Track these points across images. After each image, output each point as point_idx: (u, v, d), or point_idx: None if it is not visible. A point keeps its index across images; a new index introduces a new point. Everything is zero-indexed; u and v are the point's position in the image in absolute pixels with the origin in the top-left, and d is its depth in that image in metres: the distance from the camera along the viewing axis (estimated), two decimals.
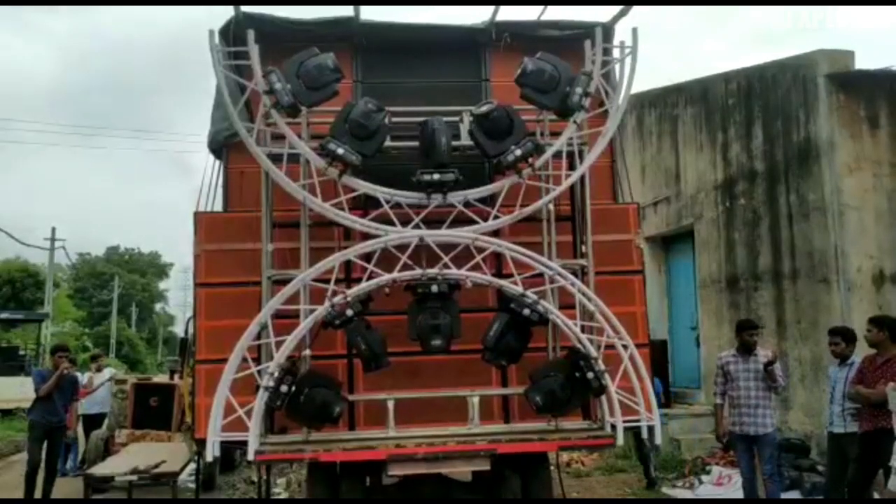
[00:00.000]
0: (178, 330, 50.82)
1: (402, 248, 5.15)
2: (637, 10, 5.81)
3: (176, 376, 11.68)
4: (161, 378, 15.62)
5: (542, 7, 6.09)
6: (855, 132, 8.87)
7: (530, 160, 5.23)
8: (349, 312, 4.93)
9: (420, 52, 6.00)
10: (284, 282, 5.18)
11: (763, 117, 9.97)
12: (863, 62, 9.10)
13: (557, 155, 5.47)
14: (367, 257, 5.21)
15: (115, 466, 8.25)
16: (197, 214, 5.69)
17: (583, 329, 5.21)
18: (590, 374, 4.98)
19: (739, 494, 7.43)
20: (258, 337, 5.07)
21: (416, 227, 5.19)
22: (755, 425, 6.73)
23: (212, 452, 4.89)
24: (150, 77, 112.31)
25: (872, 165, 8.84)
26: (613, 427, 5.12)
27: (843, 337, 6.60)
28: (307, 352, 5.23)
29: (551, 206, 5.55)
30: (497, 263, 5.51)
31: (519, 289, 5.11)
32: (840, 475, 6.47)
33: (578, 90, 5.25)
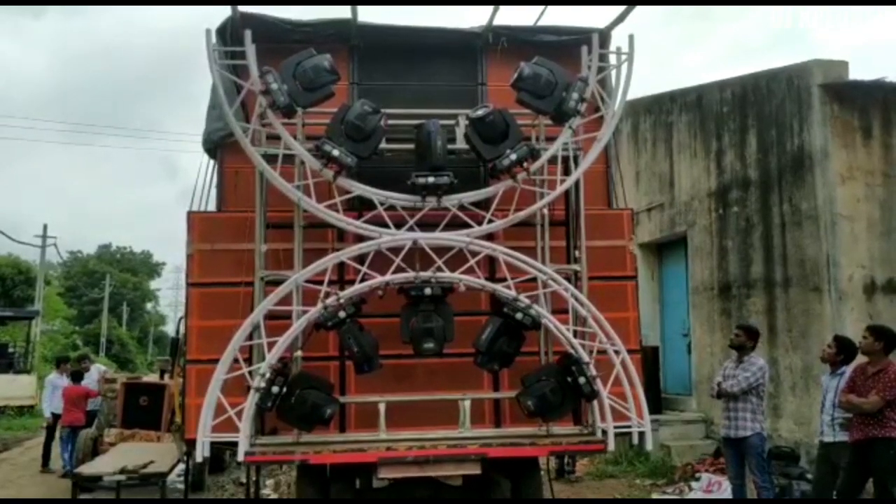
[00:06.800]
0: (169, 329, 50.68)
1: (395, 250, 5.15)
2: (634, 17, 5.82)
3: (166, 376, 11.64)
4: (151, 378, 15.56)
5: (540, 9, 6.11)
6: (848, 142, 8.92)
7: (525, 164, 5.23)
8: (342, 314, 4.91)
9: (417, 54, 6.00)
10: (277, 282, 5.17)
11: (757, 126, 10.01)
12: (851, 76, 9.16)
13: (552, 160, 5.47)
14: (360, 259, 5.21)
15: (103, 466, 8.19)
16: (190, 214, 5.67)
17: (575, 334, 5.21)
18: (581, 380, 4.98)
19: None
20: (250, 337, 5.05)
21: (410, 229, 5.19)
22: (733, 428, 6.88)
23: (201, 453, 4.86)
24: (143, 77, 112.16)
25: (865, 175, 8.89)
26: (604, 432, 5.12)
27: (838, 344, 6.64)
28: (299, 353, 5.21)
29: (545, 211, 5.55)
30: (490, 267, 5.51)
31: (512, 293, 5.11)
32: (827, 483, 6.50)
33: (574, 95, 5.26)
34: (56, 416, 11.74)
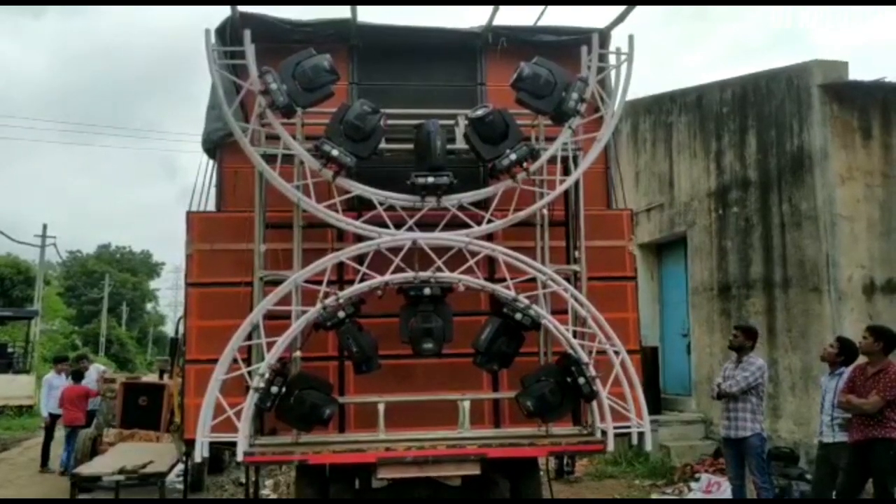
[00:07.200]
0: (169, 329, 50.66)
1: (395, 250, 5.14)
2: (633, 17, 5.81)
3: (165, 376, 11.63)
4: (150, 378, 15.55)
5: (540, 9, 6.10)
6: (848, 142, 8.93)
7: (525, 165, 5.22)
8: (341, 314, 4.90)
9: (416, 54, 5.99)
10: (276, 283, 5.16)
11: (757, 126, 10.01)
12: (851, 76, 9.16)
13: (552, 160, 5.47)
14: (359, 259, 5.20)
15: (102, 466, 8.20)
16: (189, 214, 5.66)
17: (575, 334, 5.20)
18: (581, 380, 4.97)
19: None
20: (249, 337, 5.04)
21: (410, 229, 5.18)
22: (734, 429, 6.86)
23: (200, 453, 4.86)
24: (143, 77, 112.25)
25: (865, 176, 8.89)
26: (604, 433, 5.11)
27: (841, 345, 6.65)
28: (298, 353, 5.21)
29: (545, 211, 5.55)
30: (490, 267, 5.50)
31: (511, 293, 5.10)
32: (826, 484, 6.50)
33: (574, 95, 5.24)
34: (53, 416, 11.75)
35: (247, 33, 5.18)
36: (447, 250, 5.18)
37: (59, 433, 11.83)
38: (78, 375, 11.56)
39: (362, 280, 5.09)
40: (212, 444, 4.88)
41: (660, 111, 12.34)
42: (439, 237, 5.20)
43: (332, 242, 5.49)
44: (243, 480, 9.19)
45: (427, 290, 5.00)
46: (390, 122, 5.33)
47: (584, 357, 5.06)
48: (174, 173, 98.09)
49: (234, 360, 4.96)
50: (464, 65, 6.07)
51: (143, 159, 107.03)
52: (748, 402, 6.83)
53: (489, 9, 5.84)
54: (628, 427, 5.18)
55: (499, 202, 5.33)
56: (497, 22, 5.92)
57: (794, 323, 9.19)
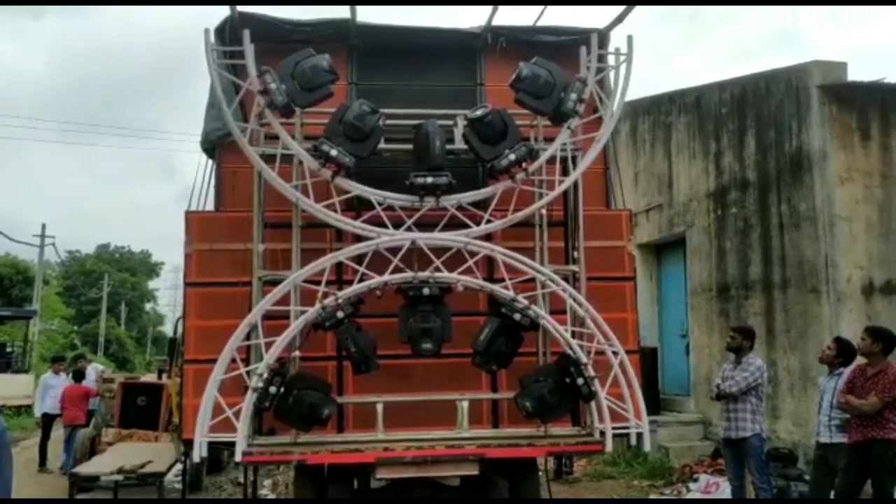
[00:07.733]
0: (168, 329, 50.59)
1: (394, 250, 5.14)
2: (633, 18, 5.82)
3: (164, 376, 11.63)
4: (149, 377, 15.55)
5: (539, 10, 6.11)
6: (847, 143, 8.93)
7: (524, 165, 5.23)
8: (340, 314, 4.90)
9: (416, 54, 6.00)
10: (275, 282, 5.16)
11: (756, 127, 10.01)
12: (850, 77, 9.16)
13: (551, 160, 5.47)
14: (358, 259, 5.20)
15: (100, 466, 8.19)
16: (188, 214, 5.66)
17: (573, 335, 5.21)
18: (580, 380, 4.97)
19: None
20: (248, 337, 5.04)
21: (409, 229, 5.18)
22: (734, 429, 6.86)
23: (199, 453, 4.85)
24: (143, 77, 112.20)
25: (863, 176, 8.90)
26: (602, 433, 5.11)
27: (839, 346, 6.64)
28: (297, 353, 5.20)
29: (544, 212, 5.55)
30: (489, 267, 5.50)
31: (510, 293, 5.10)
32: (824, 484, 6.49)
33: (573, 96, 5.25)
34: (49, 416, 11.74)
35: (246, 33, 5.18)
36: (446, 250, 5.18)
37: (57, 433, 11.82)
38: (79, 375, 11.56)
39: (361, 280, 5.09)
40: (210, 443, 4.88)
41: (659, 112, 12.34)
42: (438, 237, 5.20)
43: (330, 242, 5.49)
44: (242, 480, 9.18)
45: (426, 291, 5.00)
46: (389, 122, 5.33)
47: (583, 357, 5.05)
48: (173, 173, 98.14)
49: (233, 360, 4.95)
50: (463, 65, 6.07)
51: (143, 159, 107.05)
52: (748, 403, 6.83)
53: (488, 9, 5.85)
54: (627, 427, 5.18)
55: (498, 202, 5.33)
56: (496, 22, 5.93)
57: (792, 324, 9.19)
